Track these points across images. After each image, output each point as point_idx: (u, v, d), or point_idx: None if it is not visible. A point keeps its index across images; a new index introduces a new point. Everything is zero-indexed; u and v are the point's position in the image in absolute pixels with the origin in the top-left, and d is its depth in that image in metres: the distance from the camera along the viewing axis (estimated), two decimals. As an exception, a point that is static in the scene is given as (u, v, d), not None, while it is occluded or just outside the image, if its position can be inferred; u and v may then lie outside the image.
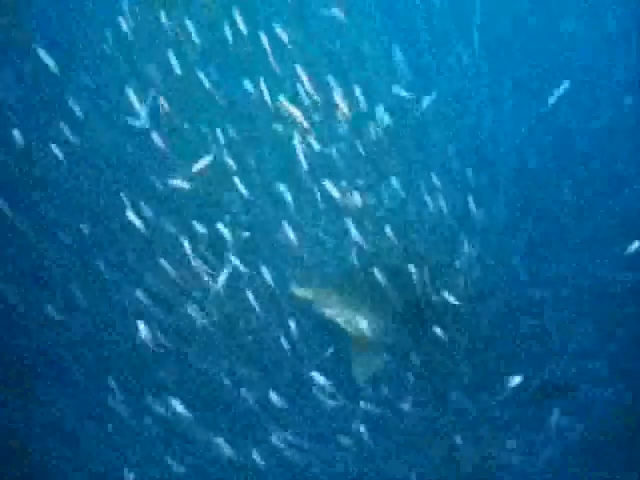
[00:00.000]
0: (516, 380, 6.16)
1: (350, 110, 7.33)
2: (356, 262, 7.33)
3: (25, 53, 10.17)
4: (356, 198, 7.34)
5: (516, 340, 8.15)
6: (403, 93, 7.60)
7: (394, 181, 7.73)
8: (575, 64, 12.47)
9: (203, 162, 6.97)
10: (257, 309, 6.94)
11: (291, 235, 6.90)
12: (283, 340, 6.92)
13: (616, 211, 10.16)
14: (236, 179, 7.34)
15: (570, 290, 8.71)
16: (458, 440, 7.03)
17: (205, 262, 7.47)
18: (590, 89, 12.23)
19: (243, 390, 7.09)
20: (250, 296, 6.82)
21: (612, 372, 7.94)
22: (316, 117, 7.91)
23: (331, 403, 6.72)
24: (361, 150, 7.84)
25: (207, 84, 7.78)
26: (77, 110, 7.80)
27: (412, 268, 6.84)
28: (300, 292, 7.12)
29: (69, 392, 8.46)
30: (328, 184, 6.99)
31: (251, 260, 7.53)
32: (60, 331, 8.45)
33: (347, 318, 7.07)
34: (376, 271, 6.82)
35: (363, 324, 7.10)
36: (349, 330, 7.15)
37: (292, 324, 6.74)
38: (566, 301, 8.66)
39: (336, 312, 7.06)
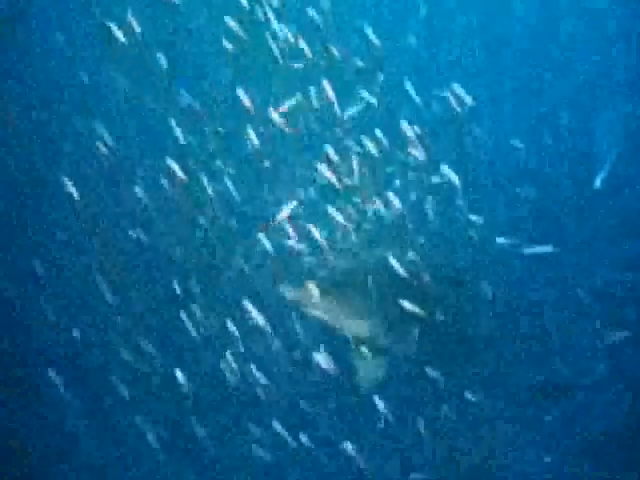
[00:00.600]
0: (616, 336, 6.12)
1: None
2: (354, 262, 7.24)
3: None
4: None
5: (516, 340, 8.16)
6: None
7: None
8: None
9: (289, 104, 6.73)
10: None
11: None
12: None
13: (616, 211, 10.17)
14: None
15: (570, 290, 8.71)
16: (458, 440, 7.03)
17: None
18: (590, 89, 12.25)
19: (241, 386, 7.05)
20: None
21: (612, 372, 7.94)
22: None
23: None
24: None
25: None
26: None
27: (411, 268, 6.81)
28: (292, 294, 6.84)
29: (69, 392, 8.46)
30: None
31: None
32: (60, 331, 8.45)
33: (344, 321, 6.92)
34: (375, 272, 6.80)
35: (362, 327, 6.99)
36: (347, 334, 7.02)
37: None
38: (566, 301, 8.66)
39: (332, 315, 6.85)
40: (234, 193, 7.51)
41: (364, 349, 7.01)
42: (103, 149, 6.97)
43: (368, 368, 7.07)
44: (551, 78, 12.66)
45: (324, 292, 6.76)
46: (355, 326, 6.99)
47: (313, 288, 6.71)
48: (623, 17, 13.21)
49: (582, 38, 13.09)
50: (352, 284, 7.05)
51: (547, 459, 7.39)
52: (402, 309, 7.12)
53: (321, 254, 7.01)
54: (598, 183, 5.61)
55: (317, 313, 6.84)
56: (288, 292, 6.80)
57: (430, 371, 6.62)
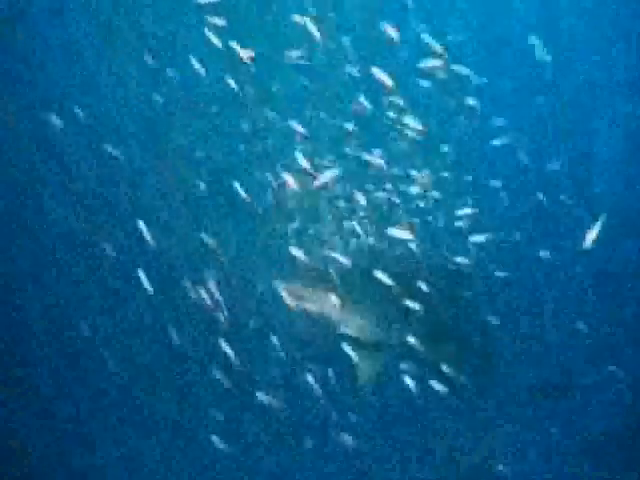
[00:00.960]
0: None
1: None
2: (353, 260, 7.21)
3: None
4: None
5: (516, 340, 8.16)
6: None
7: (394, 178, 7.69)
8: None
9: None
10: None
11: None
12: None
13: (616, 211, 10.16)
14: None
15: (570, 290, 8.72)
16: (458, 440, 7.03)
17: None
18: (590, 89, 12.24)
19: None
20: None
21: (612, 372, 7.94)
22: None
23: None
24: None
25: None
26: None
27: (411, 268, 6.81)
28: (289, 290, 6.82)
29: (68, 392, 8.46)
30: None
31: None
32: (61, 332, 8.45)
33: (341, 318, 6.92)
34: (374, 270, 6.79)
35: (361, 325, 6.98)
36: (345, 330, 7.01)
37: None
38: (566, 301, 8.67)
39: (329, 312, 6.85)
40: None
41: (362, 346, 7.02)
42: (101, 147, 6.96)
43: (367, 365, 7.07)
44: (551, 78, 12.66)
45: (321, 290, 6.77)
46: (354, 324, 6.99)
47: (311, 286, 6.75)
48: (623, 17, 13.19)
49: (582, 38, 13.08)
50: (351, 282, 7.06)
51: (547, 459, 7.41)
52: (401, 308, 7.13)
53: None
54: (588, 244, 5.49)
55: (315, 310, 6.86)
56: (285, 288, 6.82)
57: (429, 368, 6.63)
